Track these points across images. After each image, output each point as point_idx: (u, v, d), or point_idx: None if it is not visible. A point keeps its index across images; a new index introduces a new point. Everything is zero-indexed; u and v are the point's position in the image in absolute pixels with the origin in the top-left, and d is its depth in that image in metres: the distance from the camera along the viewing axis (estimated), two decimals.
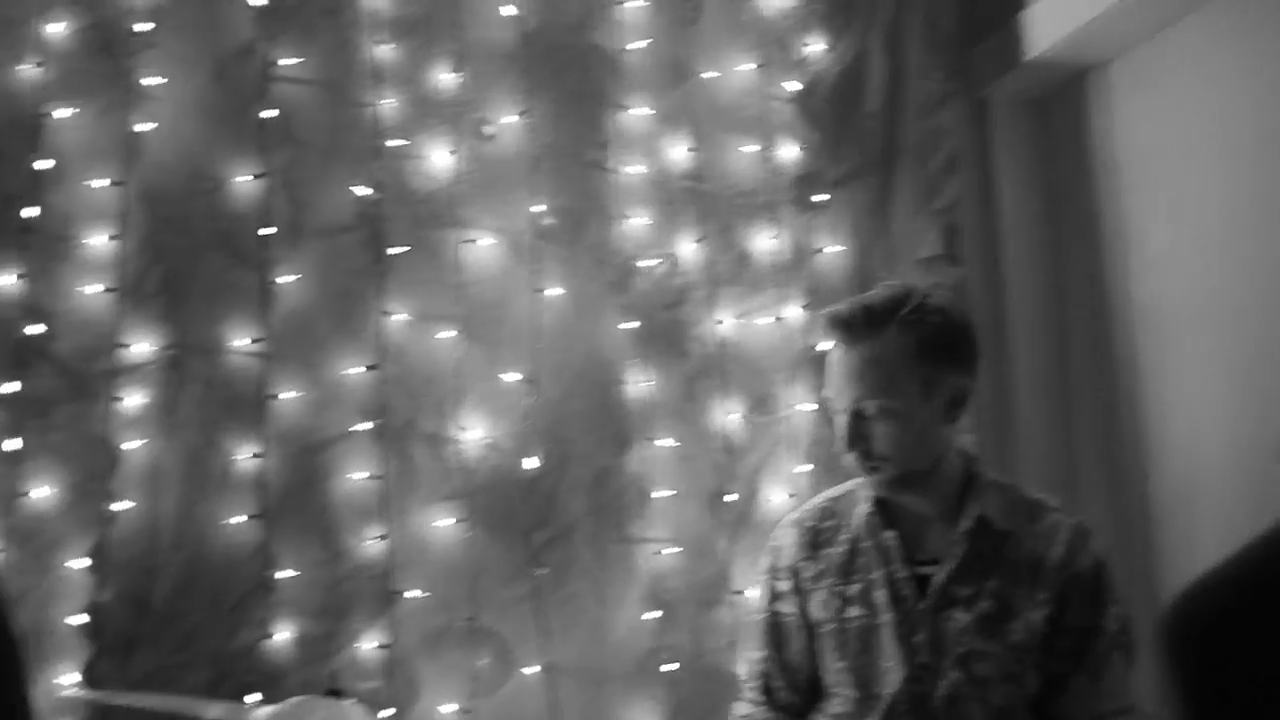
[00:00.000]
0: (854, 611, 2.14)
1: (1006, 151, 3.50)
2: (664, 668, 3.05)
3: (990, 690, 2.03)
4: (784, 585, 2.26)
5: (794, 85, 3.47)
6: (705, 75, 3.37)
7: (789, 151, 3.45)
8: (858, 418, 2.08)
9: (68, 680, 2.75)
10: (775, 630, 2.26)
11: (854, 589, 2.15)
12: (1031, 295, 3.46)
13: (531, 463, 3.11)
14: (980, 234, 3.46)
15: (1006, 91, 3.46)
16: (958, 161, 3.41)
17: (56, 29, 2.92)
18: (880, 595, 2.12)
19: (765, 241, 3.37)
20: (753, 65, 3.43)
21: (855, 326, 2.08)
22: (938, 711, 2.03)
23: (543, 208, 3.20)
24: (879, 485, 2.14)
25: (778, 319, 3.33)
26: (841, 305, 2.14)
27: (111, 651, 2.78)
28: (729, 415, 3.23)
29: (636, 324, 3.23)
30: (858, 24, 3.54)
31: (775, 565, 2.29)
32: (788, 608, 2.25)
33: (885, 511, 2.18)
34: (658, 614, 3.08)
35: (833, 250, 3.40)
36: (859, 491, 2.22)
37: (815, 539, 2.24)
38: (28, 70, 2.90)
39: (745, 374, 3.28)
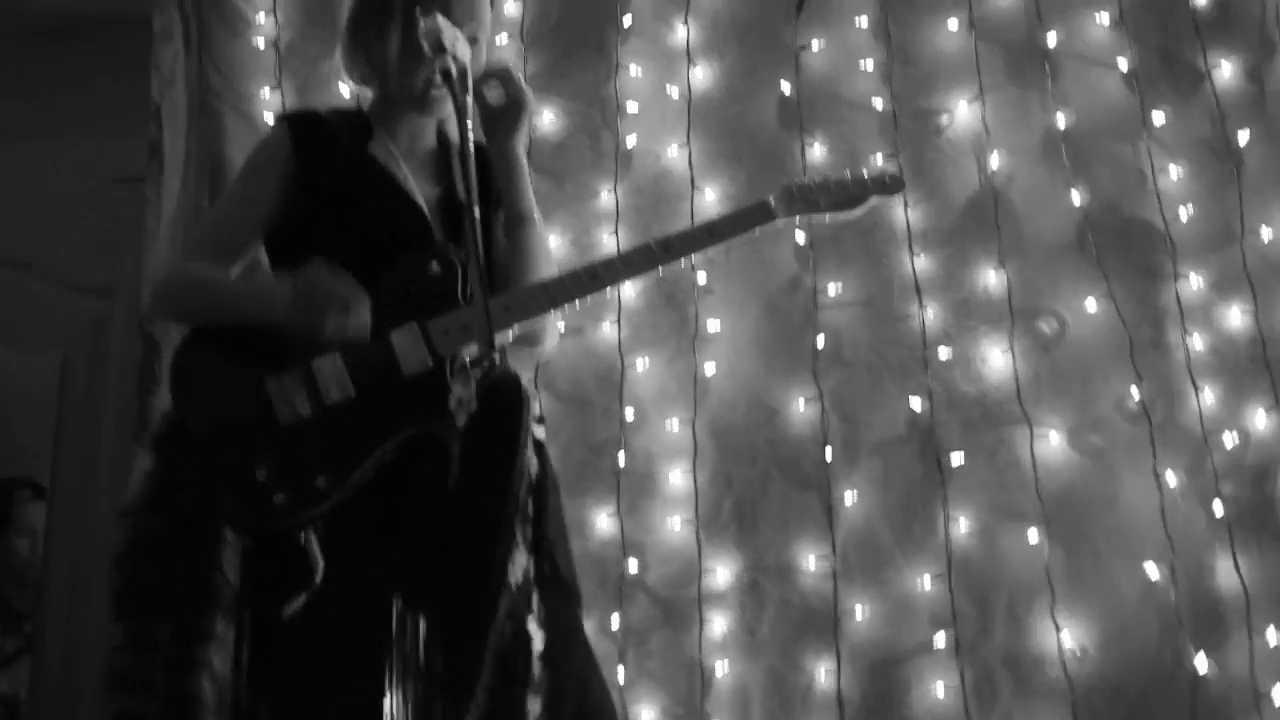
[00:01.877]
0: None
1: None
2: None
3: None
4: None
5: None
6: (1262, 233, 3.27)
7: None
8: None
9: None
10: None
11: None
12: None
13: (1126, 667, 3.05)
14: None
15: None
16: None
17: (625, 288, 3.34)
18: None
19: None
20: None
21: None
22: None
23: (1109, 396, 3.21)
24: None
25: None
26: None
27: None
28: None
29: (1222, 507, 3.14)
30: None
31: None
32: None
33: None
34: None
35: None
36: None
37: None
38: (606, 328, 3.32)
39: None
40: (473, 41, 2.19)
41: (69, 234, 3.60)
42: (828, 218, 2.36)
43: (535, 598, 2.01)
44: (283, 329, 2.03)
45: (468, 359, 2.08)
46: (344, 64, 2.35)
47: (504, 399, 2.03)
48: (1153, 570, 3.10)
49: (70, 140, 3.72)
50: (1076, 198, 3.32)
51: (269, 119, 3.36)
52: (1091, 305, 3.26)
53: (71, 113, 3.74)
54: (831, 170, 2.43)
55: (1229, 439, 3.18)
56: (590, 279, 2.24)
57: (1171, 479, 3.15)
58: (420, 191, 2.23)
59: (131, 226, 3.33)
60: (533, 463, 2.10)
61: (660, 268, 2.24)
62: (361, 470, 2.01)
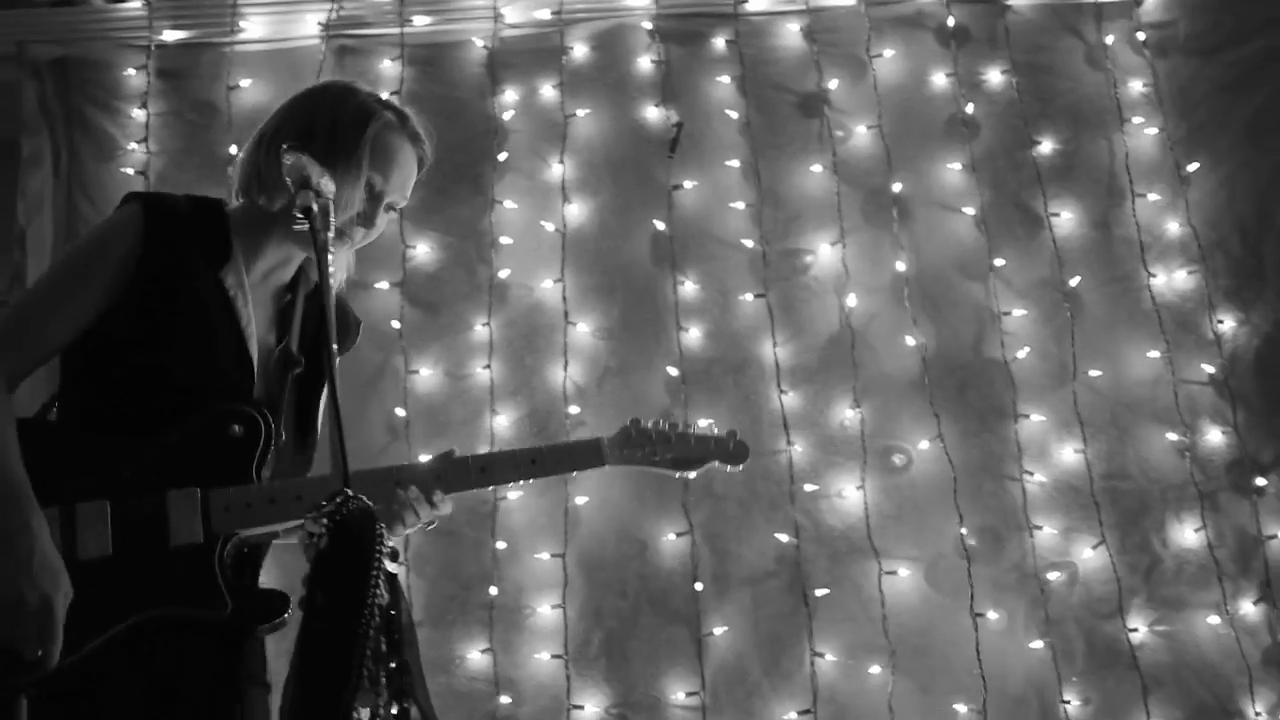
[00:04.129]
0: None
1: None
2: None
3: None
4: None
5: (1208, 368, 3.49)
6: (1099, 371, 3.53)
7: (1214, 437, 3.45)
8: None
9: None
10: None
11: None
12: None
13: None
14: None
15: None
16: None
17: (500, 420, 3.43)
18: None
19: (1195, 535, 3.40)
20: (1155, 353, 3.49)
21: None
22: None
23: (962, 530, 3.35)
24: None
25: (1227, 617, 3.32)
26: None
27: None
28: None
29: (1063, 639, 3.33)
30: (1269, 292, 3.56)
31: None
32: None
33: None
34: None
35: None
36: None
37: None
38: None
39: (1195, 682, 3.29)
40: (389, 209, 2.17)
41: None
42: (660, 471, 2.32)
43: None
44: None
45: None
46: (239, 172, 2.19)
47: (354, 533, 1.89)
48: (961, 709, 3.26)
49: None
50: (918, 338, 3.53)
51: None
52: (930, 443, 3.44)
53: None
54: (679, 422, 2.36)
55: (1058, 575, 3.37)
56: (396, 472, 2.13)
57: (994, 616, 3.32)
58: (258, 335, 2.11)
59: None
60: (384, 598, 2.06)
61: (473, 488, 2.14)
62: (92, 645, 1.87)
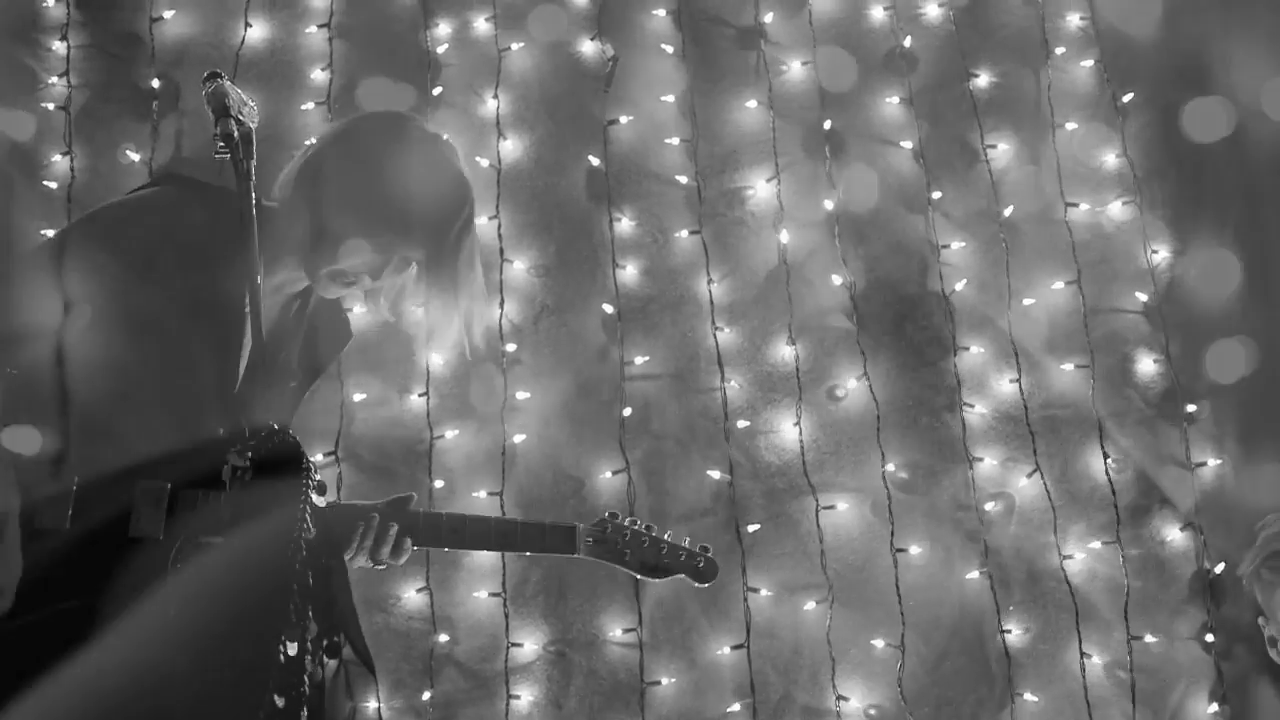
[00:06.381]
0: None
1: None
2: None
3: None
4: None
5: (1141, 296, 3.51)
6: (1033, 300, 3.55)
7: (1147, 365, 3.48)
8: None
9: None
10: None
11: None
12: None
13: None
14: None
15: None
16: None
17: (435, 359, 3.39)
18: None
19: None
20: (1091, 283, 3.52)
21: None
22: None
23: (894, 464, 3.38)
24: None
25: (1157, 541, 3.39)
26: None
27: None
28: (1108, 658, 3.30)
29: (1000, 569, 3.37)
30: (1206, 220, 3.57)
31: None
32: None
33: None
34: None
35: (1213, 464, 3.42)
36: None
37: None
38: (415, 399, 3.37)
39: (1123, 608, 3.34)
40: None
41: None
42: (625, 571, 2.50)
43: (311, 669, 1.95)
44: None
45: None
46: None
47: (280, 468, 1.93)
48: (879, 645, 3.29)
49: None
50: (851, 273, 3.53)
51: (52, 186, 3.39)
52: (863, 378, 3.45)
53: None
54: (655, 526, 2.56)
55: (995, 506, 3.40)
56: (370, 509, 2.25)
57: (930, 548, 3.35)
58: (262, 339, 2.07)
59: None
60: (311, 533, 2.05)
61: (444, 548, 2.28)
62: (34, 617, 1.84)
